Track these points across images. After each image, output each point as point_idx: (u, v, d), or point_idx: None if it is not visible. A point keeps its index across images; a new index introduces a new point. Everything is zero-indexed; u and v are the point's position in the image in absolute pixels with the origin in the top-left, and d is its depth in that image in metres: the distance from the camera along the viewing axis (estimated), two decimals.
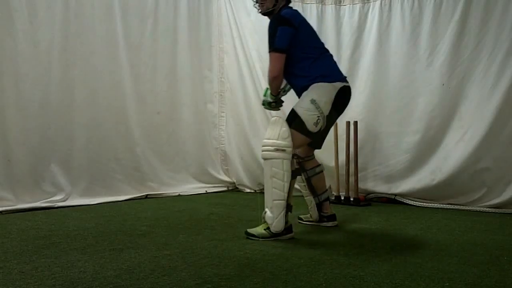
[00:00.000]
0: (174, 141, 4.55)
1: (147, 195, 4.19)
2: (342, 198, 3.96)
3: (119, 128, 4.12)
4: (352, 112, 4.11)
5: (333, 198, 3.98)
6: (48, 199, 3.56)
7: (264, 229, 2.49)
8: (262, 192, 4.56)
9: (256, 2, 2.75)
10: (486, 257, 2.15)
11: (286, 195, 2.46)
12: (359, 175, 3.93)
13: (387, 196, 3.99)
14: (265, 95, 2.85)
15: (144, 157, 4.28)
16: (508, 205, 3.47)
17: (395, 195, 3.94)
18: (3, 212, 3.23)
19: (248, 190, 4.69)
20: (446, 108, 3.74)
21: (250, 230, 2.54)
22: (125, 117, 4.17)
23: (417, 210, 3.60)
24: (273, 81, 2.65)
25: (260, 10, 2.75)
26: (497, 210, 3.47)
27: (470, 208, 3.59)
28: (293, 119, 2.54)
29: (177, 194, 4.37)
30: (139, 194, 4.11)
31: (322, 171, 2.91)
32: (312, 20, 4.33)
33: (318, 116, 2.53)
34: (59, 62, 3.74)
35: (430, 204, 3.74)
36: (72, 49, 3.81)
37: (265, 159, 2.50)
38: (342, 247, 2.34)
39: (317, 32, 4.49)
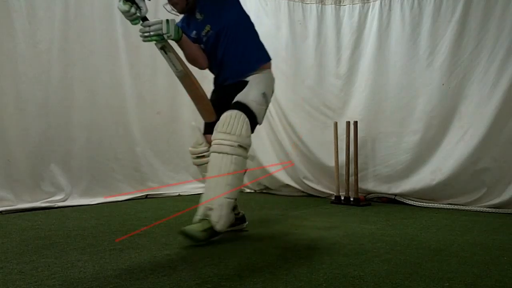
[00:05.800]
0: (174, 141, 4.55)
1: (147, 195, 4.19)
2: (342, 198, 3.96)
3: (119, 128, 4.12)
4: (352, 112, 4.12)
5: (333, 198, 3.99)
6: (48, 199, 3.56)
7: (204, 230, 2.27)
8: (262, 192, 4.63)
9: (172, 8, 2.59)
10: (486, 257, 2.14)
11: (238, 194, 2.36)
12: (359, 175, 3.93)
13: (387, 196, 3.99)
14: None
15: (144, 157, 4.28)
16: (508, 205, 3.47)
17: (395, 195, 3.94)
18: (3, 212, 3.23)
19: (248, 190, 4.69)
20: (446, 108, 3.74)
21: (187, 230, 2.27)
22: (125, 117, 4.17)
23: (417, 210, 3.60)
24: None
25: (178, 11, 2.59)
26: (497, 210, 3.47)
27: (470, 208, 3.59)
28: (249, 114, 2.36)
29: (177, 194, 4.37)
30: (139, 194, 4.12)
31: None
32: (312, 20, 4.34)
33: (265, 109, 2.48)
34: (59, 62, 3.74)
35: (430, 204, 3.74)
36: (72, 49, 3.81)
37: (224, 153, 2.27)
38: (342, 247, 2.34)
39: (317, 32, 4.49)
